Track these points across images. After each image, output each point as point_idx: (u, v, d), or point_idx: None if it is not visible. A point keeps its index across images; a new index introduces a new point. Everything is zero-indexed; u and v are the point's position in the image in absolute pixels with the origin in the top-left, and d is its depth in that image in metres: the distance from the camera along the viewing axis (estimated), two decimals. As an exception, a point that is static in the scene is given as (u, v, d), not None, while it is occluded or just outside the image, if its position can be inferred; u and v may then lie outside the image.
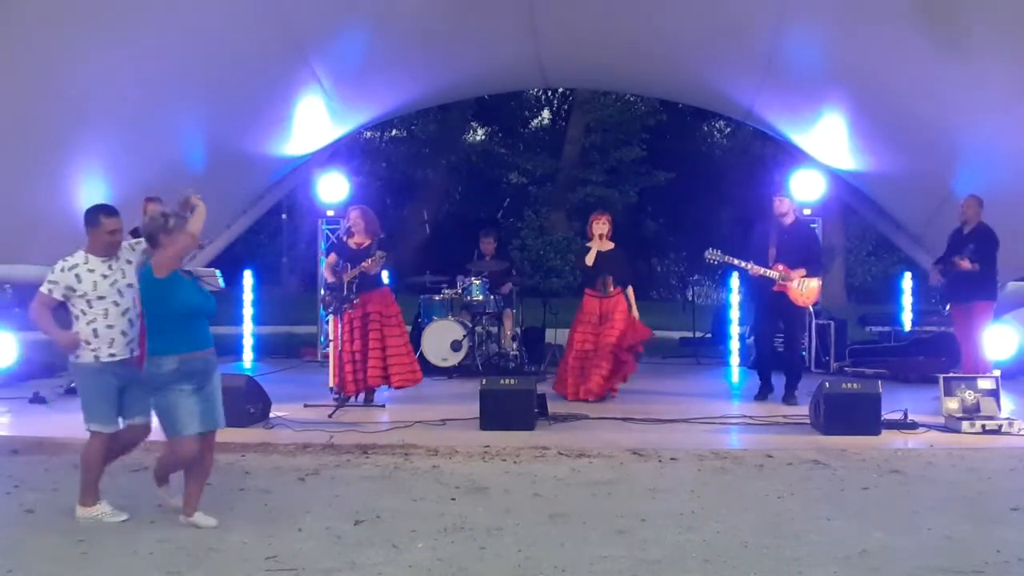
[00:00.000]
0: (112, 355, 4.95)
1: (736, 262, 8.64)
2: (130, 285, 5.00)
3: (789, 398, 8.64)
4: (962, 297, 8.65)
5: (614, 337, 8.68)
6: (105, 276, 4.97)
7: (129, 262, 5.07)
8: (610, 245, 8.97)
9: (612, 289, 8.83)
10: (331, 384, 8.24)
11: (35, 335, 12.25)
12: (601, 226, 8.93)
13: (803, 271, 8.58)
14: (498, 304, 10.93)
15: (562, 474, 6.02)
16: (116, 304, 4.97)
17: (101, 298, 4.92)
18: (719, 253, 8.54)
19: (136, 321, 5.03)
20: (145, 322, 4.92)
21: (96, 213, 5.10)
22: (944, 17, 8.17)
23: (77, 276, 4.91)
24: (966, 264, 8.33)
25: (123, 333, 4.99)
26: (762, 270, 8.56)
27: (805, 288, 8.59)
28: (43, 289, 4.94)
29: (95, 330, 4.92)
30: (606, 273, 8.81)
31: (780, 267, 8.55)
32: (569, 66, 12.20)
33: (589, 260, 8.90)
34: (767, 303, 8.80)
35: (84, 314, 4.93)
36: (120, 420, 5.09)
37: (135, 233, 8.30)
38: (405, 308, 8.59)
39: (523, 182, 28.91)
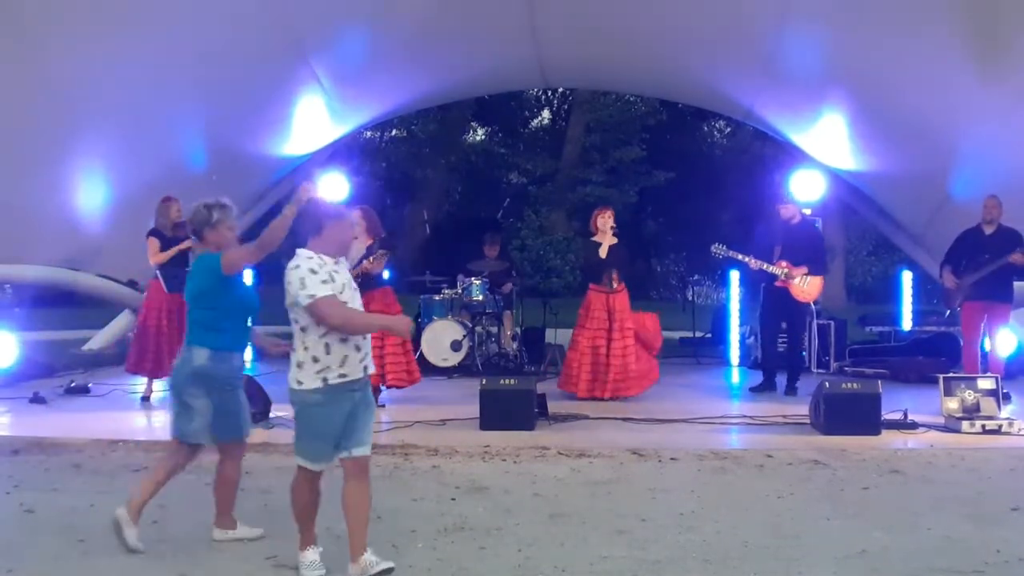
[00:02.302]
0: (343, 376, 4.08)
1: (740, 257, 8.96)
2: (356, 289, 4.28)
3: (790, 390, 8.98)
4: (992, 295, 8.43)
5: (639, 334, 8.80)
6: (344, 279, 4.19)
7: (344, 261, 4.36)
8: (614, 240, 8.91)
9: (617, 285, 8.78)
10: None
11: (34, 335, 12.29)
12: (607, 220, 8.88)
13: (805, 269, 8.80)
14: (498, 304, 10.92)
15: (562, 474, 6.02)
16: None
17: (344, 304, 4.11)
18: (724, 248, 8.87)
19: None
20: (195, 317, 4.56)
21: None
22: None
23: (332, 276, 4.09)
24: (1021, 259, 8.23)
25: (357, 347, 4.14)
26: (765, 264, 8.86)
27: (807, 284, 8.89)
28: (326, 293, 4.01)
29: (327, 345, 4.06)
30: (615, 268, 8.79)
31: (784, 263, 8.84)
32: (569, 66, 12.21)
33: (603, 253, 8.83)
34: (771, 300, 9.13)
35: (317, 327, 4.06)
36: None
37: (156, 234, 8.38)
38: (405, 308, 8.58)
39: (523, 182, 28.92)
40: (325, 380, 4.03)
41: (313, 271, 4.03)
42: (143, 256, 8.43)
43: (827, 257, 10.00)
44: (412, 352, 8.77)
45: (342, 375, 4.05)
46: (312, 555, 4.22)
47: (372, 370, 4.27)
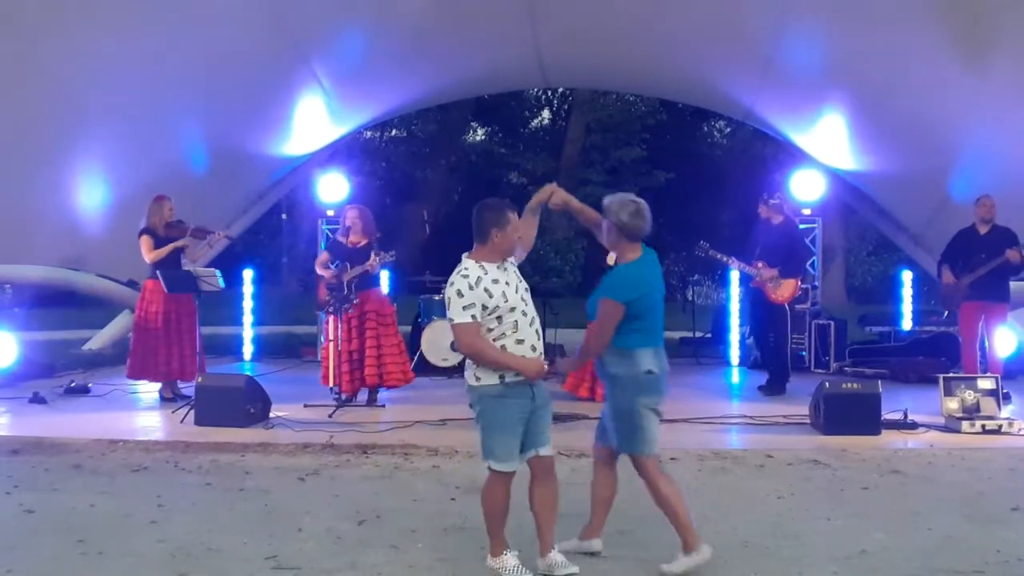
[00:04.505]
0: (518, 374, 4.13)
1: (720, 257, 9.27)
2: (527, 289, 4.29)
3: (777, 388, 9.22)
4: (992, 295, 8.40)
5: None
6: (508, 283, 4.16)
7: (512, 263, 4.33)
8: None
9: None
10: (331, 384, 8.24)
11: (34, 335, 12.29)
12: None
13: (775, 271, 9.12)
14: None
15: (562, 474, 5.96)
16: (524, 314, 4.19)
17: (512, 310, 4.13)
18: (707, 247, 9.25)
19: (541, 332, 4.29)
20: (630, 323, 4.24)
21: (504, 211, 4.21)
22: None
23: (487, 291, 4.09)
24: (1016, 256, 8.21)
25: (533, 348, 4.17)
26: (742, 265, 9.26)
27: (780, 286, 9.14)
28: (464, 320, 4.06)
29: (503, 347, 4.12)
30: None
31: (760, 264, 9.15)
32: (569, 66, 12.21)
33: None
34: (751, 300, 9.68)
35: (490, 331, 4.10)
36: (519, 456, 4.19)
37: (148, 232, 8.35)
38: (405, 308, 8.61)
39: (523, 182, 28.91)
40: (502, 378, 4.09)
41: (460, 293, 4.07)
42: (142, 256, 8.41)
43: (803, 259, 10.12)
44: (407, 353, 8.79)
45: (518, 374, 4.10)
46: (512, 559, 4.14)
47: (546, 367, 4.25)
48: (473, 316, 4.05)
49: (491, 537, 4.20)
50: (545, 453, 4.22)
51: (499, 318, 4.10)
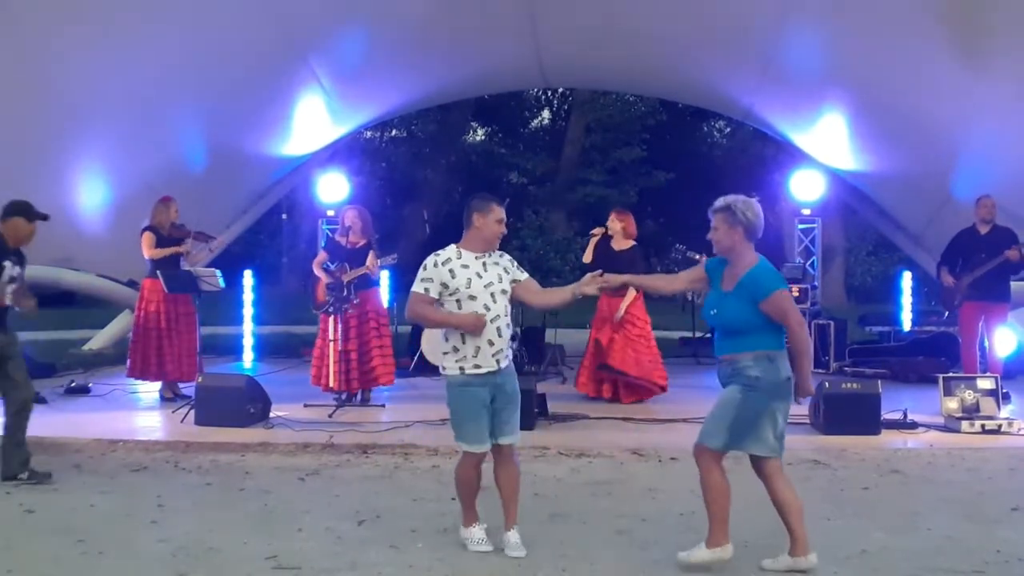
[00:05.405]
0: (477, 367, 4.38)
1: (695, 256, 9.37)
2: (504, 292, 4.46)
3: None
4: (992, 295, 8.39)
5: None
6: (480, 276, 4.41)
7: (506, 271, 4.51)
8: (626, 244, 8.84)
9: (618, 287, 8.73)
10: (331, 384, 8.24)
11: (34, 335, 12.28)
12: (611, 223, 8.85)
13: None
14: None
15: (562, 474, 6.02)
16: (487, 308, 4.38)
17: (473, 299, 4.37)
18: (684, 249, 9.26)
19: (506, 332, 4.44)
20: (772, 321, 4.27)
21: (488, 201, 4.48)
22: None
23: (451, 272, 4.38)
24: (1016, 255, 8.21)
25: (490, 343, 4.38)
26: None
27: None
28: (416, 289, 4.42)
29: (462, 336, 4.39)
30: (605, 271, 8.72)
31: None
32: (569, 66, 12.21)
33: (586, 257, 8.91)
34: None
35: None
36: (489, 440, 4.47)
37: (152, 230, 8.36)
38: (405, 308, 8.64)
39: (523, 182, 28.95)
40: (462, 369, 4.41)
41: (424, 267, 4.44)
42: (142, 256, 8.41)
43: (781, 256, 10.06)
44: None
45: (476, 366, 4.39)
46: (479, 532, 4.52)
47: (506, 363, 4.47)
48: (426, 289, 4.40)
49: (463, 509, 4.58)
50: (505, 442, 4.49)
51: (458, 302, 4.37)
